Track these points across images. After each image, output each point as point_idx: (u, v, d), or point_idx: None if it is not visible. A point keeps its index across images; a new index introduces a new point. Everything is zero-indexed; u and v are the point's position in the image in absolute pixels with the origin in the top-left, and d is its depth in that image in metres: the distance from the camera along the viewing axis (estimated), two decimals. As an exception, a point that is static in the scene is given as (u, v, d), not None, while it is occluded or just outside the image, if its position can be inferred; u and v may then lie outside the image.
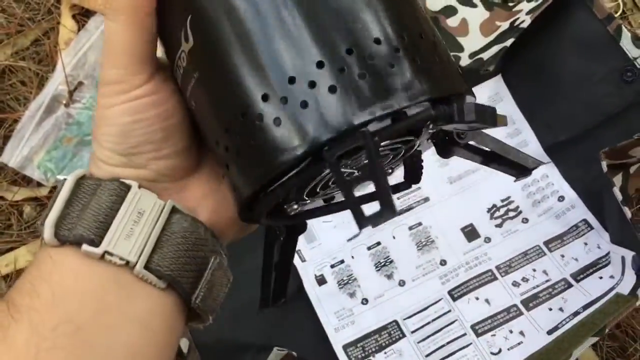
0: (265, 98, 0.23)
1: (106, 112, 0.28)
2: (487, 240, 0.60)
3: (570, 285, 0.55)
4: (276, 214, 0.28)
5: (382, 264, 0.59)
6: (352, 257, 0.60)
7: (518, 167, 0.31)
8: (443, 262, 0.59)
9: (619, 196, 0.49)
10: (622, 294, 0.48)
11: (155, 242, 0.27)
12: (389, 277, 0.59)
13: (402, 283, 0.59)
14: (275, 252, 0.33)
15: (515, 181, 0.32)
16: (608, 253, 0.55)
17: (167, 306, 0.28)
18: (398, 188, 0.32)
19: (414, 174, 0.32)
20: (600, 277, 0.54)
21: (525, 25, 0.60)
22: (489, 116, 0.25)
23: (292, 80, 0.23)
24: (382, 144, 0.26)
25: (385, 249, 0.60)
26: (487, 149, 0.30)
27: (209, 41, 0.25)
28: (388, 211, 0.21)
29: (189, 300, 0.28)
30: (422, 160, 0.32)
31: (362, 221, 0.21)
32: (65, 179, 0.28)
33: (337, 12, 0.23)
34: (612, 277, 0.53)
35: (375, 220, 0.21)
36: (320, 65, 0.23)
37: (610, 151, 0.51)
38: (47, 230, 0.27)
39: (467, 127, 0.27)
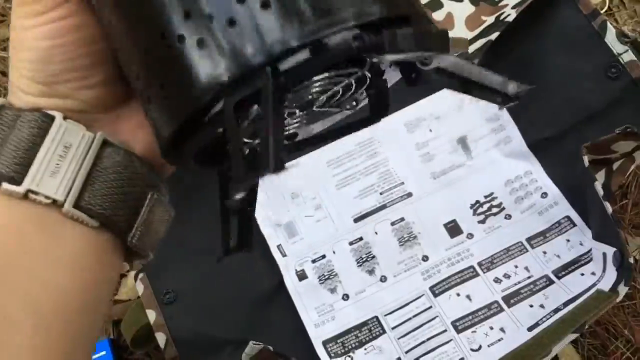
0: (187, 15, 0.21)
1: (22, 35, 0.25)
2: (470, 236, 0.59)
3: (551, 282, 0.55)
4: (212, 154, 0.25)
5: (364, 259, 0.59)
6: (334, 252, 0.59)
7: (500, 93, 0.27)
8: (425, 258, 0.59)
9: (600, 191, 0.48)
10: (603, 291, 0.48)
11: (85, 178, 0.26)
12: (371, 272, 0.58)
13: (383, 279, 0.58)
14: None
15: (500, 109, 0.28)
16: (590, 250, 0.55)
17: (101, 245, 0.27)
18: (364, 122, 0.28)
19: (380, 107, 0.28)
20: (582, 274, 0.54)
21: (510, 19, 0.60)
22: (437, 41, 0.22)
23: None
24: (319, 77, 0.22)
25: (367, 244, 0.59)
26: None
27: None
28: (265, 168, 0.19)
29: (124, 239, 0.27)
30: (387, 90, 0.27)
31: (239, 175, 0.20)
32: None
33: None
34: (593, 273, 0.53)
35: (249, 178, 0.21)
36: None
37: (592, 146, 0.50)
38: None
39: (414, 56, 0.23)
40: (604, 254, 0.51)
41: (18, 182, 0.25)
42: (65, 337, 0.25)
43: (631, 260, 0.46)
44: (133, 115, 0.28)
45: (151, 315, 0.55)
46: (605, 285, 0.49)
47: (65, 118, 0.26)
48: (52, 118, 0.26)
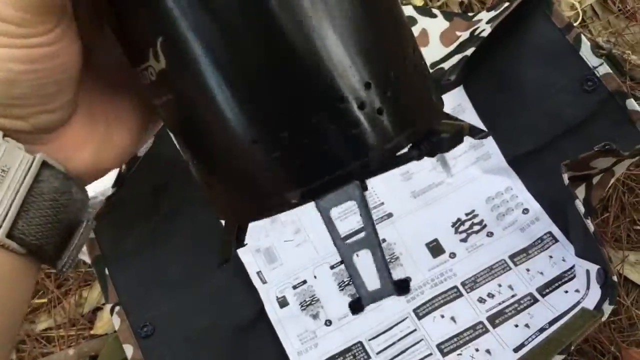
0: (255, 141, 0.22)
1: None
2: (452, 255, 0.58)
3: (536, 300, 0.54)
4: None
5: (346, 283, 0.58)
6: (315, 276, 0.58)
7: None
8: (408, 280, 0.58)
9: (581, 209, 0.48)
10: (588, 309, 0.47)
11: (21, 204, 0.24)
12: (353, 296, 0.57)
13: (366, 302, 0.57)
14: None
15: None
16: (573, 266, 0.54)
17: (22, 268, 0.25)
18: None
19: None
20: (566, 292, 0.53)
21: (485, 34, 0.59)
22: (460, 136, 0.25)
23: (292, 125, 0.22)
24: None
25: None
26: None
27: (190, 75, 0.22)
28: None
29: (53, 266, 0.25)
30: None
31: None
32: None
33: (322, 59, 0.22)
34: (577, 291, 0.52)
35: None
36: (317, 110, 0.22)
37: (571, 163, 0.50)
38: None
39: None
40: (587, 271, 0.50)
41: None
42: None
43: (615, 278, 0.46)
44: (77, 131, 0.26)
45: (128, 350, 0.53)
46: (590, 303, 0.48)
47: (3, 136, 0.24)
48: None
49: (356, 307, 0.27)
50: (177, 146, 0.26)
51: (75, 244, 0.26)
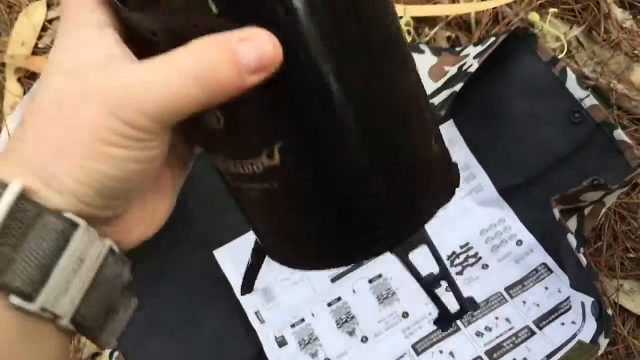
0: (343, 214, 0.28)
1: (106, 150, 0.23)
2: (448, 289, 0.58)
3: (533, 333, 0.54)
4: None
5: (344, 320, 0.58)
6: (313, 314, 0.58)
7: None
8: (405, 315, 0.58)
9: (573, 243, 0.48)
10: (584, 342, 0.48)
11: (85, 290, 0.24)
12: (351, 333, 0.57)
13: (364, 339, 0.57)
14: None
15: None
16: (568, 297, 0.55)
17: (64, 346, 0.25)
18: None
19: None
20: (562, 323, 0.54)
21: (473, 69, 0.60)
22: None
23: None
24: None
25: (346, 304, 0.59)
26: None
27: (302, 173, 0.26)
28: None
29: (95, 339, 0.26)
30: None
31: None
32: None
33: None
34: (573, 322, 0.53)
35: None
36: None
37: (561, 198, 0.50)
38: None
39: None
40: (582, 303, 0.51)
41: (31, 299, 0.22)
42: None
43: (609, 311, 0.46)
44: (133, 212, 0.27)
45: (128, 396, 0.53)
46: (586, 336, 0.48)
47: (87, 226, 0.24)
48: (76, 226, 0.23)
49: (443, 324, 0.34)
50: (249, 216, 0.30)
51: (122, 324, 0.26)
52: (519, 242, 0.60)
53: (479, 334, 0.56)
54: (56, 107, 0.23)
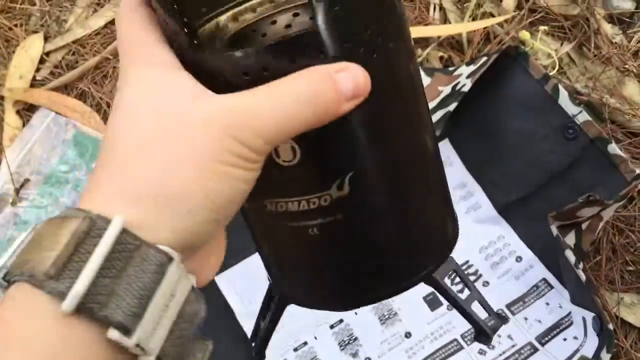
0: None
1: (225, 169, 0.23)
2: (450, 308, 0.59)
3: (536, 350, 0.54)
4: None
5: (346, 342, 0.58)
6: (315, 337, 0.58)
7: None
8: (408, 335, 0.58)
9: (571, 259, 0.49)
10: (587, 358, 0.48)
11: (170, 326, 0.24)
12: (354, 355, 0.57)
13: (368, 361, 0.57)
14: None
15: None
16: (570, 313, 0.55)
17: None
18: None
19: None
20: (565, 339, 0.54)
21: (466, 89, 0.61)
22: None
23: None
24: None
25: (349, 326, 0.59)
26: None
27: (369, 200, 0.28)
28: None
29: None
30: None
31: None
32: (82, 212, 0.22)
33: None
34: (575, 338, 0.53)
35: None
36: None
37: (558, 214, 0.51)
38: (71, 300, 0.21)
39: None
40: (584, 318, 0.51)
41: (129, 334, 0.22)
42: None
43: (610, 326, 0.46)
44: (210, 243, 0.27)
45: None
46: (589, 351, 0.48)
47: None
48: (171, 260, 0.23)
49: (484, 340, 0.37)
50: (281, 258, 0.33)
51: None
52: (519, 259, 0.60)
53: (482, 352, 0.56)
54: (156, 139, 0.24)
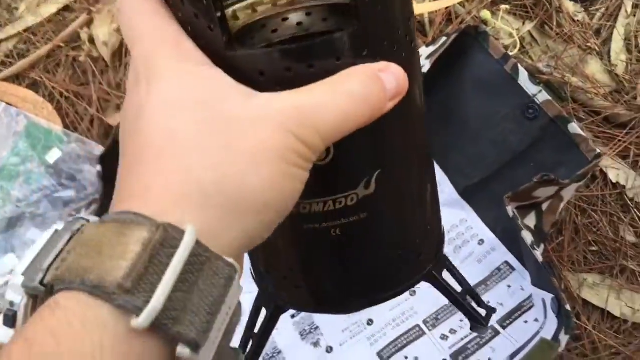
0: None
1: (289, 170, 0.23)
2: (412, 293, 0.58)
3: (497, 333, 0.54)
4: None
5: (307, 331, 0.57)
6: (276, 328, 0.57)
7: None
8: (370, 322, 0.57)
9: (528, 240, 0.48)
10: (546, 340, 0.47)
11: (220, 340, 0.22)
12: (316, 344, 0.56)
13: (329, 349, 0.56)
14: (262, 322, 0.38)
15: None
16: (531, 295, 0.54)
17: None
18: None
19: None
20: (526, 322, 0.53)
21: (425, 69, 0.60)
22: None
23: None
24: None
25: (309, 315, 0.58)
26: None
27: (392, 196, 0.29)
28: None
29: None
30: None
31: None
32: (144, 218, 0.20)
33: None
34: (536, 320, 0.52)
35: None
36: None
37: (514, 196, 0.50)
38: (147, 316, 0.19)
39: None
40: (543, 300, 0.50)
41: (197, 350, 0.20)
42: None
43: (568, 307, 0.46)
44: None
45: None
46: (548, 333, 0.48)
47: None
48: (236, 271, 0.22)
49: (480, 330, 0.38)
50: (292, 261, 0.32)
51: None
52: (481, 242, 0.59)
53: (444, 337, 0.55)
54: (214, 137, 0.22)
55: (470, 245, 0.59)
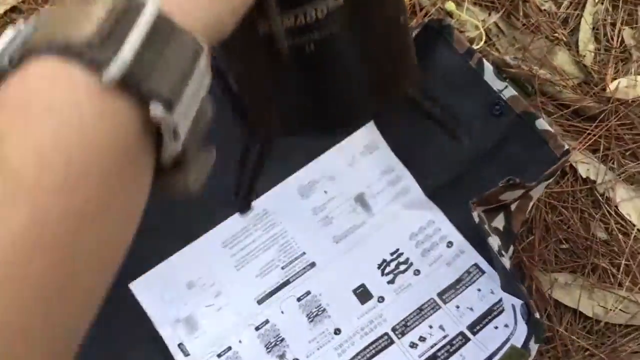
0: None
1: None
2: (381, 299, 0.56)
3: (467, 340, 0.52)
4: None
5: (273, 343, 0.55)
6: (240, 341, 0.55)
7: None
8: (337, 331, 0.55)
9: (495, 247, 0.46)
10: (516, 347, 0.46)
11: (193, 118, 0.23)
12: (282, 357, 0.54)
13: (296, 362, 0.54)
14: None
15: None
16: (501, 299, 0.53)
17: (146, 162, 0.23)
18: None
19: None
20: (496, 327, 0.52)
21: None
22: None
23: None
24: None
25: (275, 326, 0.55)
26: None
27: (363, 15, 0.31)
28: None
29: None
30: None
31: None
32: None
33: None
34: (506, 325, 0.51)
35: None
36: None
37: (480, 200, 0.48)
38: (116, 67, 0.20)
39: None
40: (513, 306, 0.49)
41: (171, 110, 0.21)
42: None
43: (537, 315, 0.44)
44: None
45: None
46: (518, 340, 0.46)
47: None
48: (203, 49, 0.22)
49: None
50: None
51: (207, 164, 0.25)
52: (450, 244, 0.57)
53: (413, 345, 0.53)
54: None
55: (438, 248, 0.57)
